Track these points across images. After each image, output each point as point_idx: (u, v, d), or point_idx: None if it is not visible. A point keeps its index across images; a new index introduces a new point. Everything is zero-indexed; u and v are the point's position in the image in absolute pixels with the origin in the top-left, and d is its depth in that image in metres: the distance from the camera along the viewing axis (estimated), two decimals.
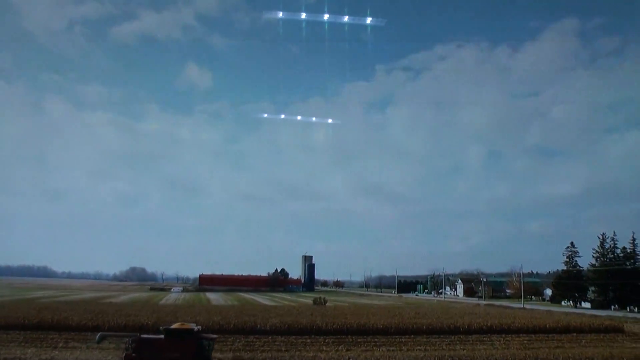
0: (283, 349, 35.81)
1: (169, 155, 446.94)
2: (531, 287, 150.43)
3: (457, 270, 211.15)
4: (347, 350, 35.11)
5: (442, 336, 44.62)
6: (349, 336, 42.87)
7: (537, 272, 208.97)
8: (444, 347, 38.40)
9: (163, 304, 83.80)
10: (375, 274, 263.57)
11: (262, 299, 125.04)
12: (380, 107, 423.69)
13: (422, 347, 37.50)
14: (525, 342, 42.28)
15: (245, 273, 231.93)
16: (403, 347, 37.50)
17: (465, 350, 35.53)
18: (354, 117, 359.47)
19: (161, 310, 57.90)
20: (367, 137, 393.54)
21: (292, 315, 52.40)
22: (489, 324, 49.27)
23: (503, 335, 45.63)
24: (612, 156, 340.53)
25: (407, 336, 43.98)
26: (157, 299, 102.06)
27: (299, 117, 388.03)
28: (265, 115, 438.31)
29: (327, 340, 40.29)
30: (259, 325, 44.18)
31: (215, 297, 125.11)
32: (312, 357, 26.54)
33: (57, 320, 42.78)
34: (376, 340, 41.36)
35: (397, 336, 43.91)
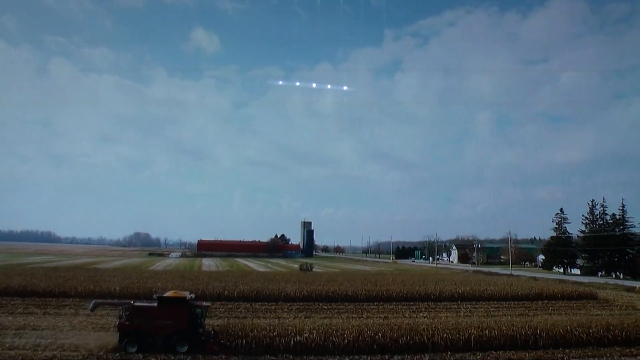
0: (242, 315, 35.78)
1: (176, 120, 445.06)
2: (526, 253, 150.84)
3: (459, 236, 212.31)
4: (306, 317, 34.89)
5: (411, 303, 44.60)
6: (317, 303, 42.96)
7: (539, 238, 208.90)
8: (407, 314, 38.15)
9: (151, 269, 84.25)
10: (380, 239, 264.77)
11: (256, 265, 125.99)
12: (389, 73, 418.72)
13: (383, 315, 37.30)
14: (492, 309, 42.16)
15: (250, 239, 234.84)
16: (364, 314, 37.35)
17: (425, 318, 35.10)
18: (363, 83, 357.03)
19: (139, 276, 57.94)
20: (376, 103, 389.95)
21: (265, 282, 52.46)
22: (460, 292, 49.15)
23: (473, 303, 45.64)
24: (620, 122, 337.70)
25: (375, 303, 43.99)
26: (148, 265, 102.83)
27: (314, 85, 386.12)
28: (280, 82, 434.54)
29: (291, 307, 40.34)
30: (226, 292, 44.22)
31: (208, 263, 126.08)
32: (250, 323, 26.13)
33: (24, 286, 42.92)
34: (341, 307, 41.32)
35: (365, 303, 43.96)
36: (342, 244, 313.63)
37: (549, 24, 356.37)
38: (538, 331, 26.52)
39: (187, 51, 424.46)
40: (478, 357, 23.89)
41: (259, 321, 31.09)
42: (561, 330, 26.83)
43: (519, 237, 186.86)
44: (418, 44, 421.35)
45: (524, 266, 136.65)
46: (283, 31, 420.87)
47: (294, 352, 23.48)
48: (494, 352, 24.93)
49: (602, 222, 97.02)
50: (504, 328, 26.61)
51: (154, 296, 25.47)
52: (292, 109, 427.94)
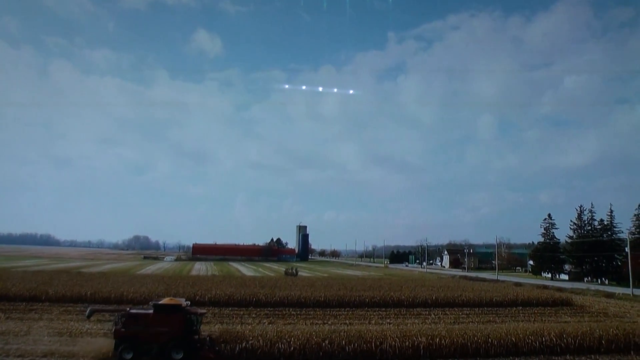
0: (206, 321, 35.45)
1: (178, 123, 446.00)
2: (517, 258, 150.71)
3: (452, 240, 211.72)
4: (270, 323, 34.90)
5: (382, 309, 44.52)
6: (287, 309, 42.88)
7: (534, 243, 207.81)
8: (374, 320, 38.03)
9: (138, 274, 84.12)
10: (380, 243, 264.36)
11: (247, 269, 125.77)
12: (392, 76, 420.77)
13: (349, 321, 37.23)
14: (462, 315, 42.08)
15: (250, 242, 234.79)
16: (330, 321, 37.23)
17: (391, 324, 35.14)
18: (366, 86, 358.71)
19: (117, 280, 57.89)
20: (378, 106, 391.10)
21: (240, 287, 52.48)
22: (434, 298, 49.09)
23: (445, 309, 45.50)
24: (623, 127, 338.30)
25: (345, 309, 43.90)
26: (137, 269, 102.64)
27: (320, 89, 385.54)
28: (287, 86, 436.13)
29: (259, 312, 40.37)
30: (197, 297, 44.15)
31: (199, 267, 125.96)
32: (200, 329, 26.15)
33: None
34: (310, 313, 41.28)
35: (336, 309, 43.83)
36: (342, 247, 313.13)
37: (553, 28, 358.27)
38: (490, 339, 26.49)
39: (189, 53, 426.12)
40: None
41: (220, 326, 31.29)
42: (513, 339, 26.80)
43: (516, 242, 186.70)
44: (422, 47, 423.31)
45: (516, 271, 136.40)
46: (286, 34, 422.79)
47: (238, 359, 23.50)
48: None
49: (590, 227, 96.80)
50: (455, 336, 26.53)
51: (150, 303, 25.62)
52: (295, 111, 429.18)
